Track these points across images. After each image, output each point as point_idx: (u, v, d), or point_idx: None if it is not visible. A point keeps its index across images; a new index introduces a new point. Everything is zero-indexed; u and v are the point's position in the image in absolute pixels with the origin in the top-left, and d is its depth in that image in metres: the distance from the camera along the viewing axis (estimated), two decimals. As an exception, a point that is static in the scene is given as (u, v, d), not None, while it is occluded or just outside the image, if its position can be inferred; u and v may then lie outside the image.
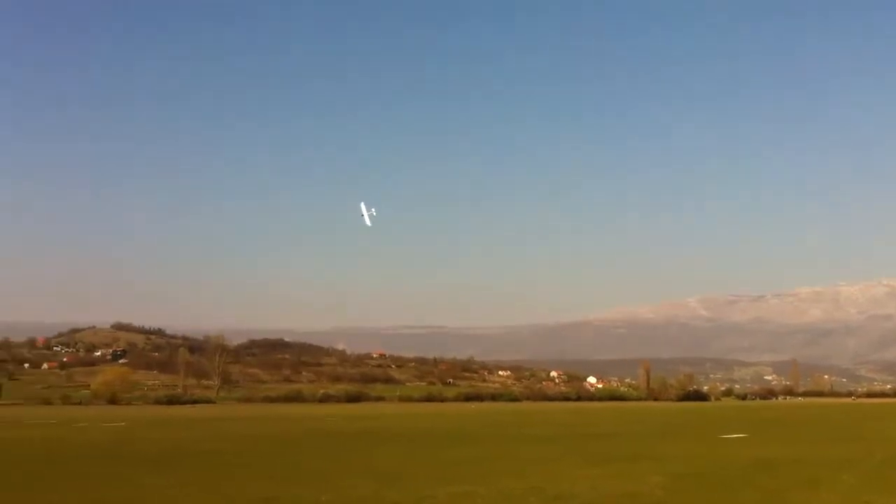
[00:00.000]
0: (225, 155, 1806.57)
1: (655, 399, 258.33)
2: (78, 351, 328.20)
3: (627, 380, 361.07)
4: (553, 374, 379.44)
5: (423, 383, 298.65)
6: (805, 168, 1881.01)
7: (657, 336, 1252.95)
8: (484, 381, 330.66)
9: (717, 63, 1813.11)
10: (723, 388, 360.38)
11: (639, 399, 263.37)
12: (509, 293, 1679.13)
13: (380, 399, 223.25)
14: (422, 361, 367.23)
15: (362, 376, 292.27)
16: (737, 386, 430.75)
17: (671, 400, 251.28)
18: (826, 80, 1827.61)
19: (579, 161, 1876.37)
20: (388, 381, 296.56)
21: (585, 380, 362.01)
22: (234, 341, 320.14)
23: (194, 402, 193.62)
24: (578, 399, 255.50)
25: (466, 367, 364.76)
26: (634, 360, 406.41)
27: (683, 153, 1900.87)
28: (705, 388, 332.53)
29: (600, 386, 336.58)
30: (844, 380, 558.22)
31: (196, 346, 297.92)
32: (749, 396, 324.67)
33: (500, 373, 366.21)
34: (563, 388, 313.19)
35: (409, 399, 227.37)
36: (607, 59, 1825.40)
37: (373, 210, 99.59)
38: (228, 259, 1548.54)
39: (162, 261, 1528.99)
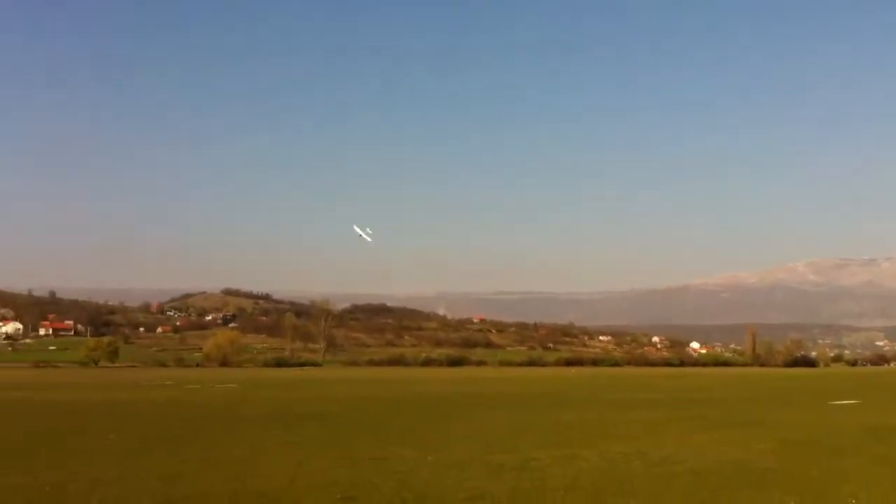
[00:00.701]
0: (335, 125, 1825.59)
1: (762, 365, 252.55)
2: (190, 315, 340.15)
3: (732, 345, 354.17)
4: (655, 339, 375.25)
5: (524, 348, 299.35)
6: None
7: (763, 301, 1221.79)
8: (584, 346, 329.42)
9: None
10: (832, 354, 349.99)
11: (744, 365, 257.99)
12: (611, 258, 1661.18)
13: (481, 363, 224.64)
14: (522, 326, 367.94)
15: (463, 341, 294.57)
16: (846, 352, 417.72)
17: (778, 366, 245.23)
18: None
19: (683, 120, 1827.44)
20: (489, 345, 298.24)
21: (688, 345, 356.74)
22: (339, 306, 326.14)
23: (301, 364, 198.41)
24: (681, 365, 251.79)
25: (567, 332, 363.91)
26: (739, 326, 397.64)
27: (791, 111, 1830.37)
28: (813, 354, 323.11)
29: (704, 351, 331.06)
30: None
31: (302, 311, 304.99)
32: (859, 363, 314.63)
33: (601, 338, 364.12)
34: (665, 353, 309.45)
35: (510, 363, 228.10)
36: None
37: (368, 230, 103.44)
38: (333, 226, 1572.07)
39: (269, 228, 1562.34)
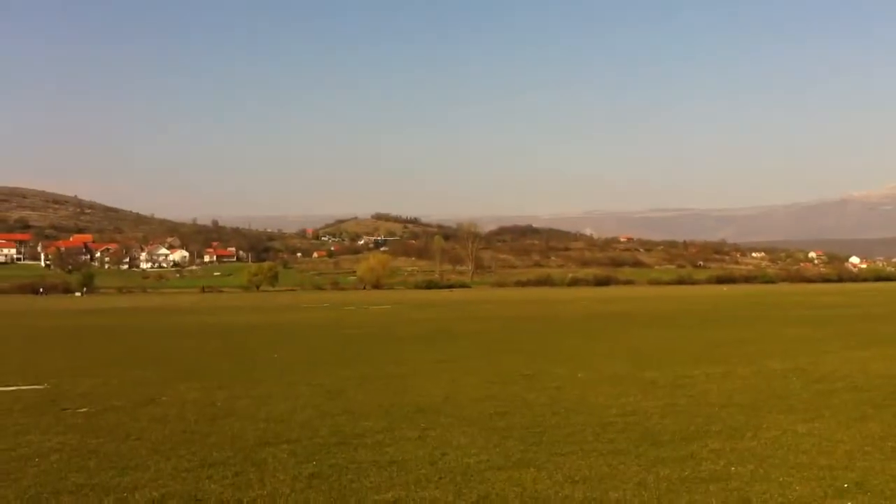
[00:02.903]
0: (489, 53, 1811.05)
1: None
2: (343, 240, 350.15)
3: (895, 259, 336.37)
4: (812, 254, 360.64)
5: (673, 266, 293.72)
6: None
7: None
8: (737, 263, 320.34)
9: None
10: None
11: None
12: (765, 170, 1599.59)
13: (629, 283, 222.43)
14: (671, 244, 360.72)
15: (610, 260, 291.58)
16: None
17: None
18: None
19: (833, 22, 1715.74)
20: (637, 264, 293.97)
21: (848, 260, 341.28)
22: (486, 228, 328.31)
23: (450, 286, 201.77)
24: (840, 280, 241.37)
25: (718, 250, 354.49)
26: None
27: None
28: None
29: (864, 266, 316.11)
30: None
31: (450, 234, 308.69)
32: None
33: (754, 254, 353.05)
34: (822, 269, 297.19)
35: (659, 282, 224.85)
36: None
37: None
38: (480, 148, 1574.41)
39: (416, 152, 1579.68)
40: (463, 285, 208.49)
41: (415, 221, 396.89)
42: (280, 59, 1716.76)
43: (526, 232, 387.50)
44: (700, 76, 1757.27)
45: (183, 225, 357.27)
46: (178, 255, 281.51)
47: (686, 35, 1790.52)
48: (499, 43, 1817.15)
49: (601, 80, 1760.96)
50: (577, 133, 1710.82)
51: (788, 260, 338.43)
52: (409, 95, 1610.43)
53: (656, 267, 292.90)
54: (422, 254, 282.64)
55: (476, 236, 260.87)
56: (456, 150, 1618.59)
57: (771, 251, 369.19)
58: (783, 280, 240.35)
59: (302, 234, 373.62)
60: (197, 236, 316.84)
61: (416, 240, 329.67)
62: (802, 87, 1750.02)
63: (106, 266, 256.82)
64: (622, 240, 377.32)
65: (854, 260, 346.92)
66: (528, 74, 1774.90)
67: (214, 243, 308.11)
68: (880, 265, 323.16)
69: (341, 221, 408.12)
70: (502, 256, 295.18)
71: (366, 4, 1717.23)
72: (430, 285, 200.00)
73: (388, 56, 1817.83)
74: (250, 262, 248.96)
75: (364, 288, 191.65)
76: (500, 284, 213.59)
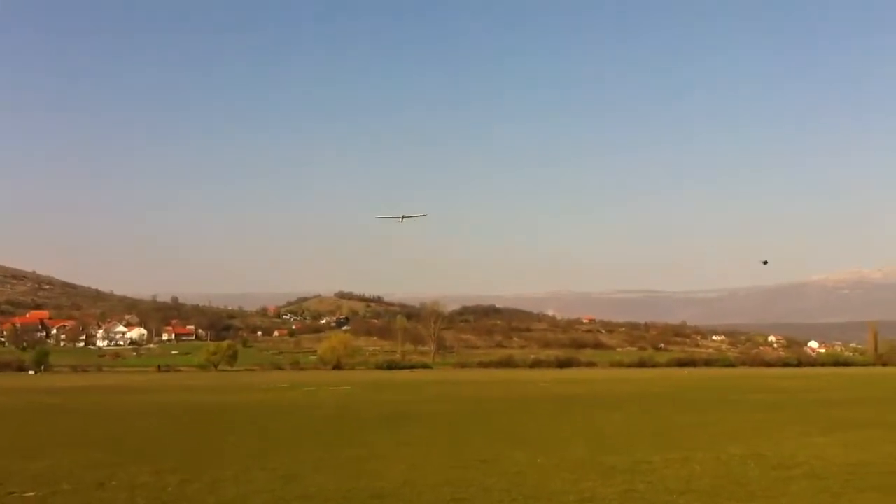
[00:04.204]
0: (457, 128, 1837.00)
1: (884, 364, 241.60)
2: (305, 319, 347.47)
3: (853, 344, 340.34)
4: (771, 338, 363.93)
5: (634, 348, 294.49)
6: None
7: (886, 297, 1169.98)
8: (697, 346, 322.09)
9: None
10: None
11: (865, 364, 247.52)
12: (725, 254, 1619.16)
13: (590, 364, 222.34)
14: (633, 326, 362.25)
15: (572, 342, 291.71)
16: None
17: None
18: None
19: (799, 111, 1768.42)
20: (599, 346, 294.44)
21: (806, 344, 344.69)
22: (449, 308, 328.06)
23: (412, 367, 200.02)
24: (799, 365, 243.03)
25: (679, 332, 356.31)
26: (860, 324, 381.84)
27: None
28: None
29: (822, 351, 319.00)
30: None
31: (412, 313, 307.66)
32: None
33: (714, 338, 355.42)
34: (781, 353, 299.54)
35: (620, 364, 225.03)
36: None
37: (402, 216, 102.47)
38: (442, 229, 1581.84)
39: (381, 231, 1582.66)
40: (424, 366, 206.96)
41: (378, 300, 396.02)
42: (239, 137, 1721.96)
43: (489, 312, 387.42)
44: (663, 161, 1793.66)
45: (142, 302, 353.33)
46: (136, 332, 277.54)
47: (649, 122, 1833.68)
48: (461, 124, 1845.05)
49: (565, 161, 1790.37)
50: (541, 214, 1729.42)
51: (748, 343, 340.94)
52: (374, 174, 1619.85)
53: (618, 349, 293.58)
54: (384, 333, 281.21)
55: (438, 316, 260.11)
56: (421, 229, 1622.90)
57: (731, 334, 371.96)
58: (743, 364, 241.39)
59: (263, 312, 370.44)
60: (156, 314, 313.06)
61: (378, 319, 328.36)
62: (763, 175, 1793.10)
63: (62, 343, 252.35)
64: (585, 321, 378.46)
65: (812, 344, 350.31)
66: (490, 156, 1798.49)
67: (174, 321, 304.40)
68: (838, 349, 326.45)
69: (304, 299, 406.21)
70: (465, 337, 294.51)
71: (321, 83, 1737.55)
72: (392, 366, 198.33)
73: (350, 134, 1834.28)
74: (209, 341, 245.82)
75: (324, 368, 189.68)
76: (462, 365, 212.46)
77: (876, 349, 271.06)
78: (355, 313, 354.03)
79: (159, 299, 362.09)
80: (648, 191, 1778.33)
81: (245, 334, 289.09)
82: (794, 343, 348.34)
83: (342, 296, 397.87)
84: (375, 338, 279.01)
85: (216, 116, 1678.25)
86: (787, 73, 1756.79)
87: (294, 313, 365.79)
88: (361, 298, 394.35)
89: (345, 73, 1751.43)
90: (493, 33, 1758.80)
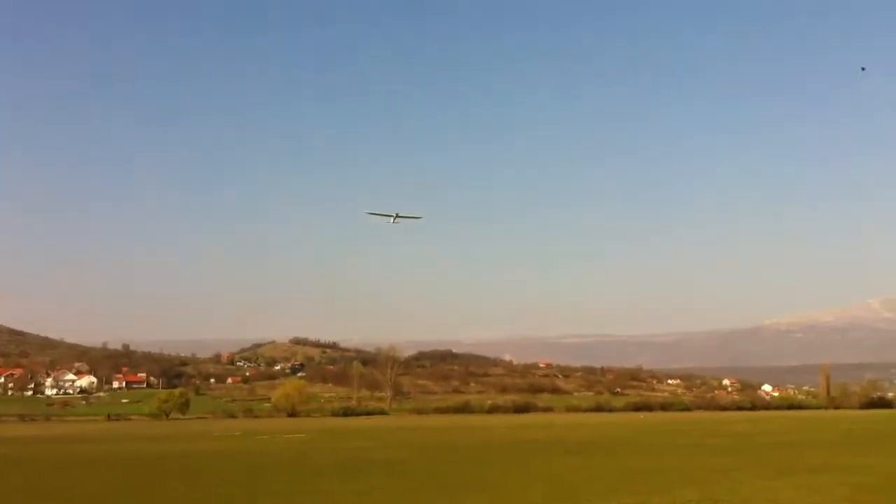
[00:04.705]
0: (401, 175, 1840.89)
1: (836, 407, 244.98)
2: (259, 365, 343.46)
3: (806, 387, 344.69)
4: (725, 382, 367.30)
5: (591, 393, 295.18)
6: None
7: (838, 341, 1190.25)
8: (653, 390, 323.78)
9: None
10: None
11: (818, 407, 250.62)
12: (680, 299, 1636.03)
13: (547, 409, 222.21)
14: (589, 371, 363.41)
15: (529, 386, 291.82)
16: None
17: (853, 408, 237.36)
18: None
19: (752, 156, 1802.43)
20: (555, 391, 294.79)
21: (760, 388, 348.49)
22: (405, 353, 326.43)
23: (368, 413, 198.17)
24: (753, 408, 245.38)
25: (635, 377, 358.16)
26: (813, 367, 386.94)
27: (859, 143, 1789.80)
28: (890, 394, 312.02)
29: (776, 394, 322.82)
30: None
31: (369, 359, 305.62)
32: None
33: (670, 381, 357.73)
34: (736, 396, 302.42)
35: (577, 409, 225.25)
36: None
37: (395, 215, 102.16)
38: (399, 273, 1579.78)
39: (336, 276, 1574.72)
40: (381, 412, 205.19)
41: (333, 346, 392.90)
42: (191, 184, 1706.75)
43: (446, 357, 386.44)
44: (619, 209, 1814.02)
45: (92, 349, 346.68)
46: (86, 380, 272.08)
47: (604, 174, 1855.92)
48: (415, 174, 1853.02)
49: (520, 208, 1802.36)
50: (498, 259, 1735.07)
51: (703, 387, 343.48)
52: (327, 219, 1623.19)
53: (575, 393, 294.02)
54: (340, 380, 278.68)
55: (395, 361, 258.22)
56: (377, 274, 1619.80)
57: (687, 378, 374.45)
58: (698, 407, 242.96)
59: (216, 359, 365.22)
60: (106, 361, 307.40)
61: (334, 365, 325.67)
62: (717, 221, 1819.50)
63: (9, 392, 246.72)
64: (541, 365, 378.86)
65: (766, 388, 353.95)
66: (447, 203, 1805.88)
67: (124, 368, 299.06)
68: (791, 393, 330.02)
69: (258, 346, 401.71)
70: (421, 382, 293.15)
71: (273, 135, 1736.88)
72: (348, 412, 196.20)
73: (303, 185, 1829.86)
74: (161, 389, 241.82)
75: (278, 416, 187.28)
76: (419, 411, 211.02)
77: (828, 392, 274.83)
78: (311, 359, 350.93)
79: (110, 346, 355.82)
80: (603, 237, 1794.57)
81: (198, 382, 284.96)
82: (749, 386, 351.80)
83: (297, 342, 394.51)
84: (331, 384, 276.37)
85: (165, 160, 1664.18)
86: (739, 121, 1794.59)
87: (248, 360, 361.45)
88: (317, 344, 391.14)
89: (293, 129, 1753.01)
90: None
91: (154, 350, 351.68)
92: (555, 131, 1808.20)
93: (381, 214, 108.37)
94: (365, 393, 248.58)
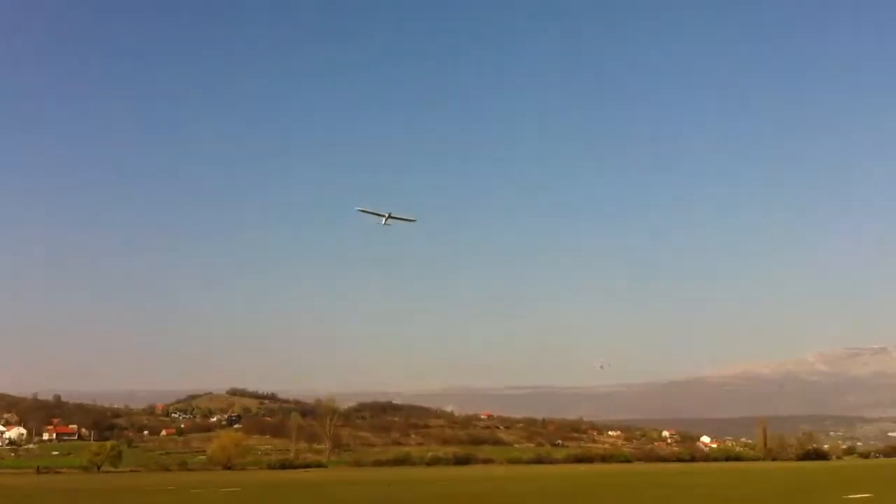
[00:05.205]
0: (333, 222, 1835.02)
1: (773, 459, 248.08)
2: (195, 417, 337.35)
3: (743, 439, 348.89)
4: (665, 433, 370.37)
5: (532, 444, 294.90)
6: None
7: (774, 393, 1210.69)
8: (594, 441, 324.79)
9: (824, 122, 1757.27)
10: (844, 447, 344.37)
11: (755, 459, 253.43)
12: (621, 350, 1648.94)
13: (488, 461, 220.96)
14: (530, 422, 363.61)
15: (470, 438, 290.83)
16: (859, 444, 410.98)
17: (790, 459, 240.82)
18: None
19: (683, 216, 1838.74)
20: (497, 442, 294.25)
21: (699, 439, 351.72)
22: (345, 404, 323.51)
23: (306, 466, 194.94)
24: (692, 459, 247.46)
25: (575, 428, 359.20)
26: (750, 419, 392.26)
27: (792, 202, 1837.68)
28: (826, 446, 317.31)
29: (714, 446, 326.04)
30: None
31: (307, 410, 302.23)
32: (873, 455, 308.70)
33: (610, 433, 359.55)
34: (675, 448, 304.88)
35: (518, 461, 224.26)
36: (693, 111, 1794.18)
37: (388, 215, 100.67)
38: (340, 322, 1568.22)
39: (275, 326, 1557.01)
40: (319, 465, 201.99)
41: (272, 397, 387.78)
42: (127, 237, 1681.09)
43: (386, 409, 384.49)
44: (560, 263, 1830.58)
45: (22, 400, 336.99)
46: (15, 432, 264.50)
47: (540, 224, 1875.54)
48: (359, 227, 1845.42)
49: (464, 259, 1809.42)
50: (439, 310, 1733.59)
51: (643, 438, 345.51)
52: (266, 270, 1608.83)
53: (516, 445, 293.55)
54: (277, 431, 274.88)
55: (334, 413, 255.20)
56: (317, 324, 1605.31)
57: (627, 429, 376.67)
58: (638, 459, 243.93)
59: (150, 410, 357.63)
60: (37, 412, 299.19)
61: (272, 417, 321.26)
62: (658, 275, 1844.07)
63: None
64: (483, 417, 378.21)
65: (705, 439, 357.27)
66: (391, 254, 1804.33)
67: (55, 420, 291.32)
68: (730, 445, 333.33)
69: (194, 397, 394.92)
70: (361, 434, 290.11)
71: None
72: (285, 465, 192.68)
73: (242, 254, 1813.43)
74: (93, 441, 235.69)
75: (213, 469, 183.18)
76: (357, 464, 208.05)
77: (765, 444, 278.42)
78: (248, 411, 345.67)
79: (40, 397, 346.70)
80: (544, 289, 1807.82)
81: (131, 434, 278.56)
82: (688, 438, 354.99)
83: (234, 392, 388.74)
84: (269, 436, 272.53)
85: (89, 210, 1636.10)
86: (672, 184, 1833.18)
87: (183, 411, 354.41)
88: (255, 395, 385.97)
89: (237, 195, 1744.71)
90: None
91: (86, 401, 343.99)
92: (486, 187, 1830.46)
93: (373, 213, 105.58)
94: (303, 445, 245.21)
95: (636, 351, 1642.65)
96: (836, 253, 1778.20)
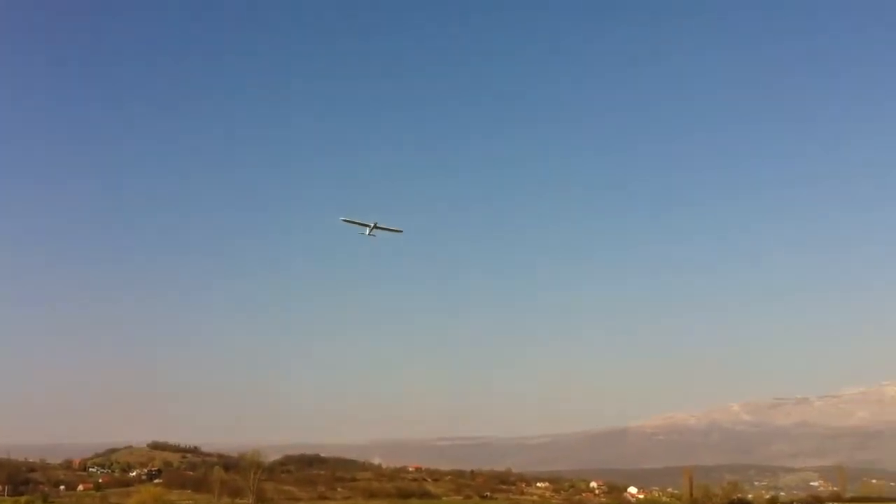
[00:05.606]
0: (262, 272, 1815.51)
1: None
2: (114, 471, 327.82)
3: (670, 489, 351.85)
4: (593, 484, 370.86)
5: (460, 497, 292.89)
6: (845, 268, 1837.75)
7: (700, 443, 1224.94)
8: (522, 493, 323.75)
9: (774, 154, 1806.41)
10: (768, 496, 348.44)
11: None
12: (548, 402, 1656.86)
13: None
14: (459, 474, 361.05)
15: (398, 491, 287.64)
16: (782, 493, 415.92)
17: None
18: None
19: (619, 266, 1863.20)
20: (425, 495, 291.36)
21: (626, 490, 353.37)
22: (270, 457, 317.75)
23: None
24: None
25: (504, 480, 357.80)
26: (676, 468, 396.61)
27: (726, 256, 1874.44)
28: (750, 495, 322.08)
29: (641, 496, 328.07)
30: (894, 484, 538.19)
31: (231, 464, 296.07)
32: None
33: (539, 484, 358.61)
34: (603, 499, 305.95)
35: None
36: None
37: (373, 224, 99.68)
38: (264, 374, 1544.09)
39: (198, 378, 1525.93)
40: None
41: (194, 451, 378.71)
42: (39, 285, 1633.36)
43: (312, 461, 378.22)
44: (491, 313, 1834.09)
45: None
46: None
47: (474, 280, 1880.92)
48: (293, 285, 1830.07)
49: (388, 313, 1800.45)
50: (368, 361, 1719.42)
51: (571, 490, 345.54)
52: (192, 317, 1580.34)
53: (444, 497, 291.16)
54: (200, 486, 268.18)
55: (259, 466, 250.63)
56: (243, 375, 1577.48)
57: (555, 481, 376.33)
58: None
59: (67, 464, 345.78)
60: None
61: (194, 471, 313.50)
62: (588, 328, 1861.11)
63: None
64: (411, 469, 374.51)
65: (632, 490, 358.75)
66: (318, 307, 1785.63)
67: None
68: (656, 495, 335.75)
69: (113, 450, 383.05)
70: (286, 488, 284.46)
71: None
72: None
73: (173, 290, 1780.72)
74: (6, 496, 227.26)
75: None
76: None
77: (691, 494, 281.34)
78: (169, 465, 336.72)
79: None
80: (475, 339, 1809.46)
81: (46, 489, 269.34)
82: (615, 489, 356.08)
83: (156, 446, 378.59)
84: (190, 491, 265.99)
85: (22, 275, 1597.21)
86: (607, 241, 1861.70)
87: (102, 466, 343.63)
88: (176, 449, 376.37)
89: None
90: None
91: (0, 455, 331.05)
92: (438, 246, 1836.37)
93: (357, 223, 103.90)
94: (226, 500, 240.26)
95: (568, 402, 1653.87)
96: (759, 305, 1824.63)
